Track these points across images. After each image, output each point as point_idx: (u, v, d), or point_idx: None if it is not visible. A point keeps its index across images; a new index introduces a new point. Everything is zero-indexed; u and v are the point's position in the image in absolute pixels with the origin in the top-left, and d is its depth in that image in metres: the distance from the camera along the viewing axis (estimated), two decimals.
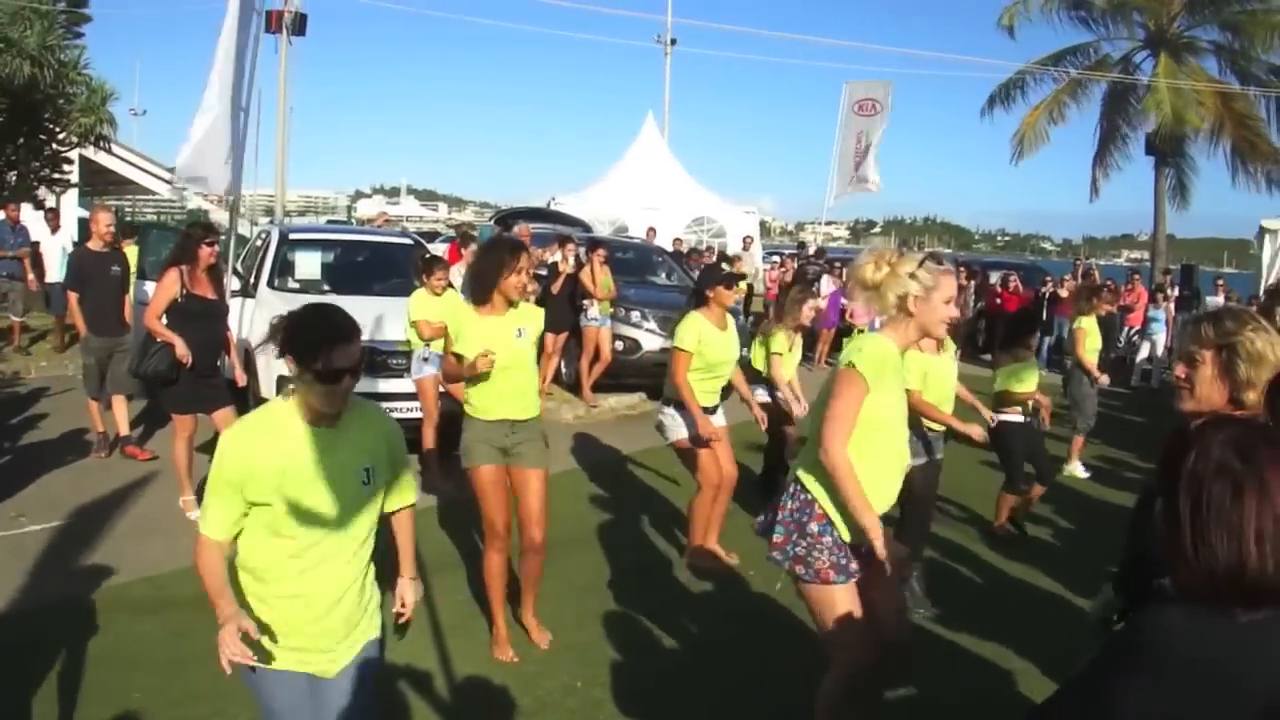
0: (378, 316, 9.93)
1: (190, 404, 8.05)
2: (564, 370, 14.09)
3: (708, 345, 7.17)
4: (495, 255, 5.77)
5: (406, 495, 3.76)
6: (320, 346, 3.26)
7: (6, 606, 6.26)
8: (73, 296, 9.90)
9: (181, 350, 7.91)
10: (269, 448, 3.32)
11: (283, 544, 3.35)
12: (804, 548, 4.11)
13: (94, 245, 9.93)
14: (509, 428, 5.77)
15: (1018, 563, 8.06)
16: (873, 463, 4.08)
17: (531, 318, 5.82)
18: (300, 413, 3.37)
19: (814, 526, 4.10)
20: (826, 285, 19.53)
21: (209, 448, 8.62)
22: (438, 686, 5.43)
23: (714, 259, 18.35)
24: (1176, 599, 1.91)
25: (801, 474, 4.20)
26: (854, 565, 4.12)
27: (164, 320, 8.08)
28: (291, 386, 3.38)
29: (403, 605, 3.71)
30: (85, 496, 8.46)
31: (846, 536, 4.10)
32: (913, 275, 4.11)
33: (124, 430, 9.88)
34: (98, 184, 28.45)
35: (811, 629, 6.23)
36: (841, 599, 4.10)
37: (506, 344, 5.66)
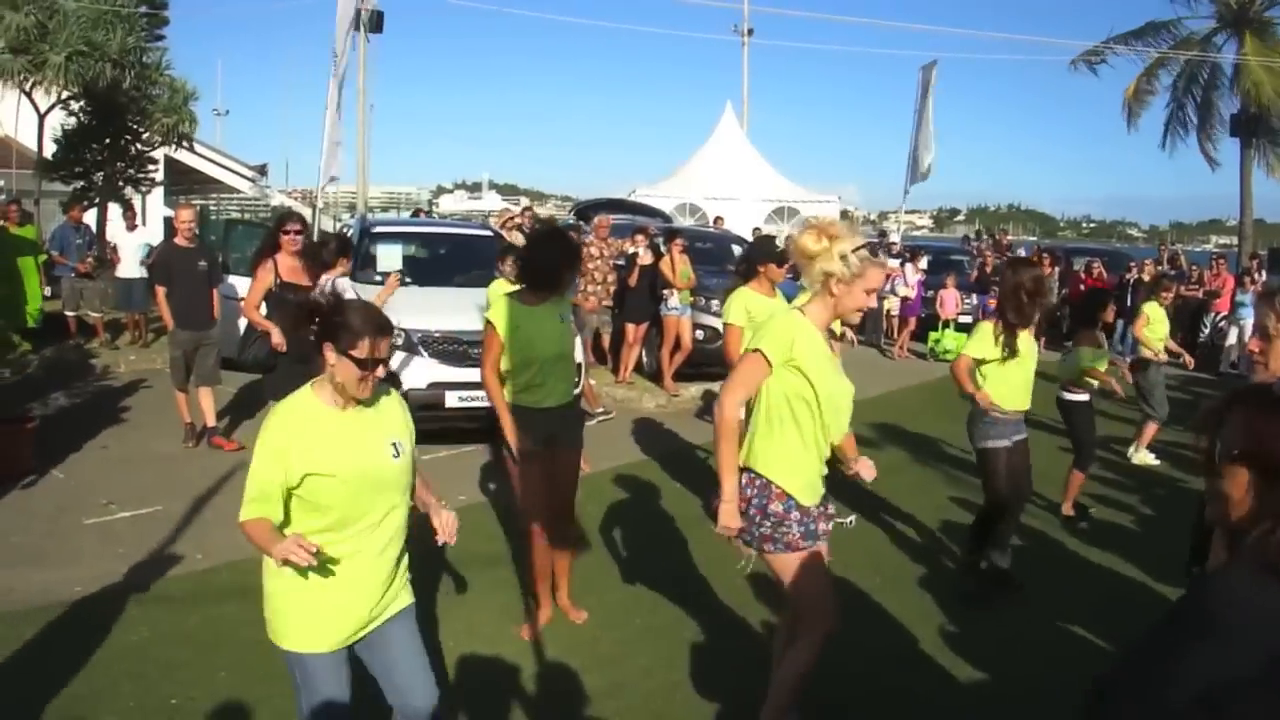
0: (458, 307, 10.04)
1: (290, 389, 8.16)
2: (645, 360, 14.12)
3: (757, 319, 7.03)
4: (554, 247, 5.88)
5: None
6: (365, 336, 3.52)
7: (98, 589, 6.44)
8: (160, 291, 10.10)
9: (277, 338, 8.11)
10: (308, 429, 3.55)
11: (320, 519, 3.54)
12: (769, 527, 4.29)
13: (180, 241, 10.13)
14: (558, 414, 5.86)
15: (1096, 548, 7.97)
16: (794, 438, 4.27)
17: (568, 304, 5.94)
18: (331, 397, 3.63)
19: (777, 506, 4.27)
20: (911, 275, 19.33)
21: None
22: (515, 670, 5.50)
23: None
24: (1243, 566, 1.89)
25: (750, 462, 4.35)
26: (821, 527, 4.37)
27: (262, 310, 8.33)
28: (322, 375, 3.66)
29: (442, 530, 3.78)
30: (173, 485, 8.66)
31: (807, 501, 4.30)
32: (844, 257, 4.17)
33: (211, 421, 10.07)
34: (183, 183, 28.99)
35: (895, 616, 6.29)
36: (810, 562, 4.32)
37: (556, 331, 5.76)
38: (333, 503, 3.53)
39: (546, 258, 5.86)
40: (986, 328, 6.81)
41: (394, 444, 3.66)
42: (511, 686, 5.22)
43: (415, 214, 29.60)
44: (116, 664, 5.40)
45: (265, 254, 8.45)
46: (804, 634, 4.39)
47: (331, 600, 3.58)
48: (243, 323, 8.75)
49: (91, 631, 5.78)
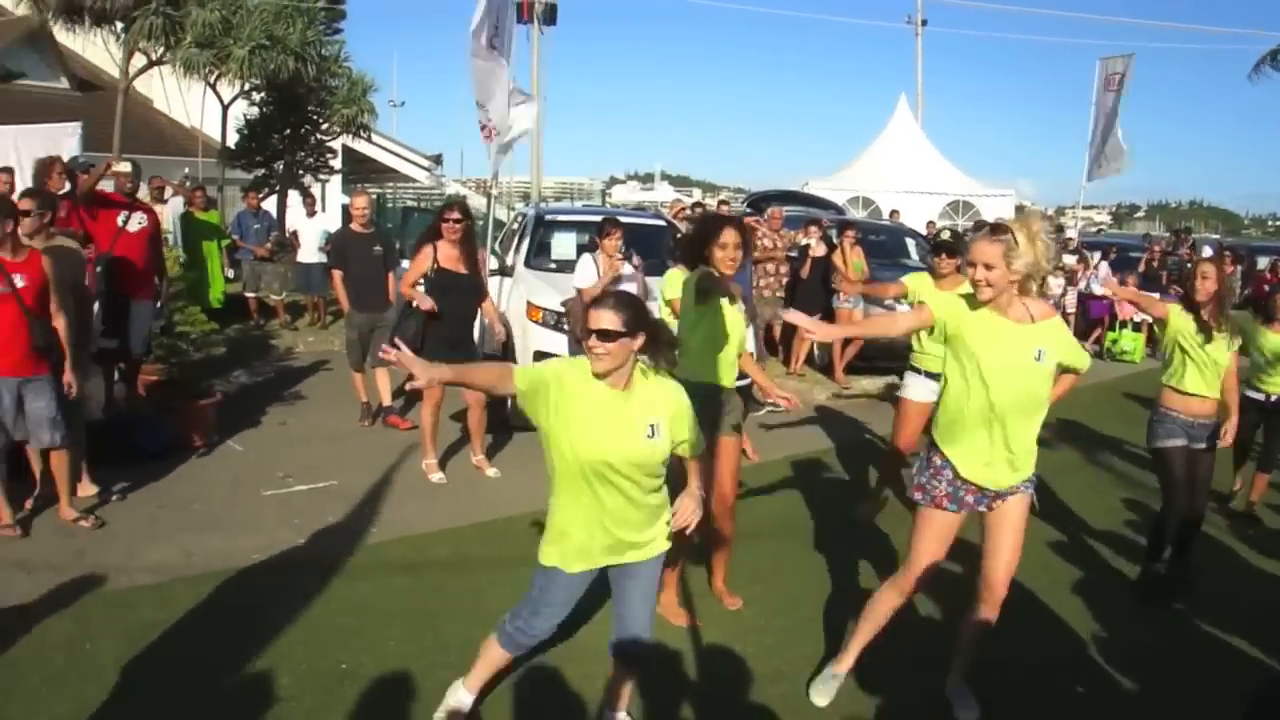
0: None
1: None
2: (816, 352, 13.88)
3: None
4: (705, 229, 5.92)
5: (696, 447, 4.22)
6: (587, 312, 3.94)
7: (273, 557, 6.61)
8: (337, 274, 10.29)
9: (428, 304, 8.19)
10: (572, 386, 3.97)
11: (578, 469, 3.99)
12: (927, 476, 4.71)
13: (355, 227, 10.32)
14: (723, 396, 5.80)
15: (1264, 555, 7.55)
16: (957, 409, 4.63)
17: (737, 289, 5.84)
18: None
19: (937, 460, 4.68)
20: (1104, 271, 18.39)
21: (461, 416, 8.89)
22: (678, 654, 5.46)
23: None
24: None
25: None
26: (969, 499, 4.63)
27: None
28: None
29: (677, 514, 4.12)
30: (348, 461, 8.82)
31: (965, 475, 4.59)
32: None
33: (386, 401, 10.23)
34: (360, 172, 29.73)
35: (1062, 618, 6.09)
36: (941, 522, 4.69)
37: (723, 314, 5.73)
38: (582, 456, 3.97)
39: (694, 238, 6.01)
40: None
41: (651, 425, 4.00)
42: (675, 668, 5.11)
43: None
44: (290, 629, 5.52)
45: (427, 239, 8.52)
46: (900, 573, 4.86)
47: (570, 536, 4.11)
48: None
49: (266, 597, 5.93)
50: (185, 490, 7.94)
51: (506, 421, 9.55)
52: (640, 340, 3.93)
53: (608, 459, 3.94)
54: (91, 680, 4.87)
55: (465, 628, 5.52)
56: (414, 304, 8.33)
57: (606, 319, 3.84)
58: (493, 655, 4.46)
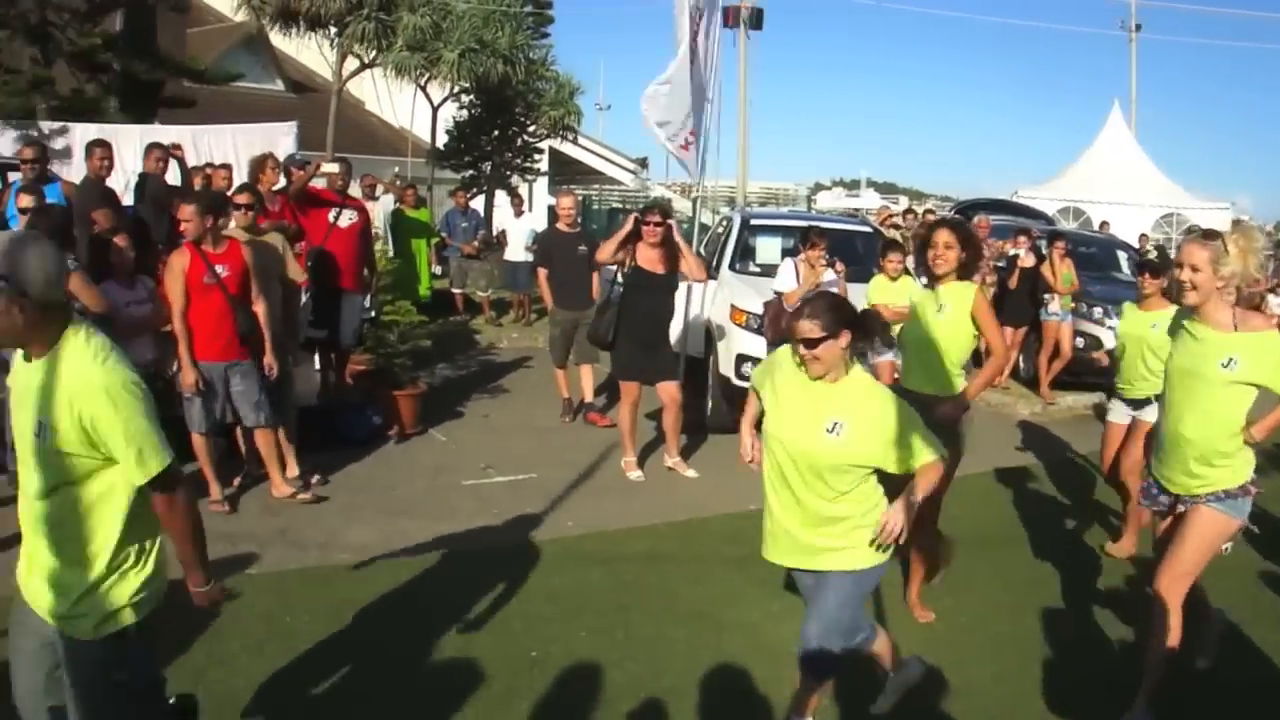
0: None
1: (632, 371, 8.33)
2: (1022, 365, 13.31)
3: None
4: (923, 232, 5.89)
5: (916, 457, 3.97)
6: (789, 324, 4.10)
7: (471, 545, 6.68)
8: (542, 273, 10.41)
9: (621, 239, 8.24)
10: (788, 369, 4.09)
11: (770, 452, 4.09)
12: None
13: (561, 227, 10.40)
14: (921, 404, 5.50)
15: None
16: None
17: (955, 295, 5.60)
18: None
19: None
20: None
21: (658, 416, 8.79)
22: (868, 662, 5.14)
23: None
24: None
25: None
26: (1162, 497, 4.71)
27: (611, 294, 8.50)
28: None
29: (883, 529, 3.93)
30: (548, 455, 8.86)
31: (1153, 470, 4.77)
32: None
33: (588, 397, 10.25)
34: (566, 173, 30.18)
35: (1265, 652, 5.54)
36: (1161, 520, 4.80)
37: (931, 320, 5.64)
38: (776, 453, 4.06)
39: (918, 245, 5.94)
40: None
41: (834, 422, 3.92)
42: (864, 679, 4.84)
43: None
44: (484, 613, 5.56)
45: (627, 241, 8.49)
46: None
47: (769, 521, 4.18)
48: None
49: (461, 582, 5.97)
50: (388, 476, 8.11)
51: (704, 424, 9.40)
52: (845, 338, 3.91)
53: (786, 448, 4.00)
54: (289, 652, 4.99)
55: (656, 624, 5.47)
56: (610, 300, 8.39)
57: (807, 328, 3.87)
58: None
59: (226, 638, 4.97)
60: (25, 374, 2.96)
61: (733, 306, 10.07)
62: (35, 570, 3.03)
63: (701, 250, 12.19)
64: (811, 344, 3.87)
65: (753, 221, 12.70)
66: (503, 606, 5.67)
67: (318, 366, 9.44)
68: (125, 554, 3.00)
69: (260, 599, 5.60)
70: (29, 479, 2.98)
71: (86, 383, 2.86)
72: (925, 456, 3.96)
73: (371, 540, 6.64)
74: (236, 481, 7.43)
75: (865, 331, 3.98)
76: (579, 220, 11.00)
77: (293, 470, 7.52)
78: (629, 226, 8.33)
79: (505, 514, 7.29)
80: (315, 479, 7.68)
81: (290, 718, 4.45)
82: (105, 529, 2.95)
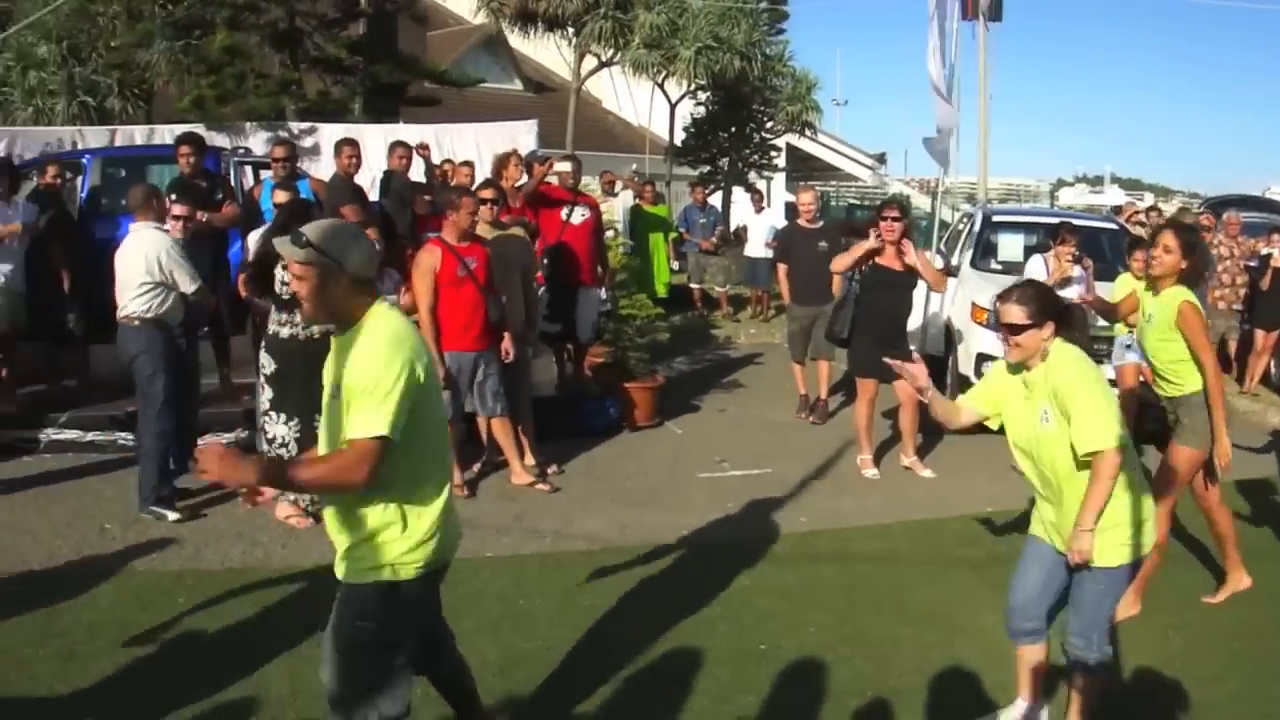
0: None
1: (869, 369, 8.19)
2: (1274, 371, 12.40)
3: None
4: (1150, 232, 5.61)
5: (1082, 441, 3.84)
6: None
7: (702, 537, 6.72)
8: (782, 268, 10.42)
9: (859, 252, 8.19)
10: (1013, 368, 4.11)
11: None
12: None
13: (802, 222, 10.37)
14: (1169, 404, 5.50)
15: None
16: None
17: (1164, 302, 5.37)
18: None
19: None
20: None
21: (893, 414, 8.63)
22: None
23: None
24: None
25: None
26: None
27: (850, 292, 8.43)
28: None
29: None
30: (783, 451, 8.83)
31: None
32: None
33: (824, 394, 10.14)
34: (803, 170, 30.01)
35: None
36: None
37: (1143, 323, 5.56)
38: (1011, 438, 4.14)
39: None
40: None
41: (1044, 411, 3.92)
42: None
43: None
44: (714, 606, 5.58)
45: (867, 258, 8.45)
46: None
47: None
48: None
49: (693, 573, 6.04)
50: (624, 466, 8.24)
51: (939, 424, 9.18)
52: (1049, 329, 3.90)
53: (1017, 443, 4.08)
54: (521, 632, 5.17)
55: (887, 624, 5.39)
56: (848, 297, 8.35)
57: (1013, 313, 3.89)
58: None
59: (463, 617, 5.05)
60: (334, 344, 3.30)
61: (974, 305, 9.87)
62: (331, 515, 3.35)
63: (942, 247, 11.93)
64: (1016, 330, 3.88)
65: (995, 218, 12.46)
66: (733, 599, 5.68)
67: (555, 359, 9.67)
68: (392, 515, 3.23)
69: (495, 581, 5.80)
70: (325, 437, 3.33)
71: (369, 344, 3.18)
72: (1091, 443, 3.79)
73: (605, 529, 6.78)
74: (476, 467, 7.68)
75: (1068, 324, 3.98)
76: (820, 215, 10.91)
77: (530, 459, 7.71)
78: (871, 243, 8.21)
79: (739, 508, 7.31)
80: (552, 468, 7.87)
81: (518, 698, 4.56)
82: (379, 489, 3.19)
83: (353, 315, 3.24)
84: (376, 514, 3.23)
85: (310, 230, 3.21)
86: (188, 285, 6.76)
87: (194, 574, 5.89)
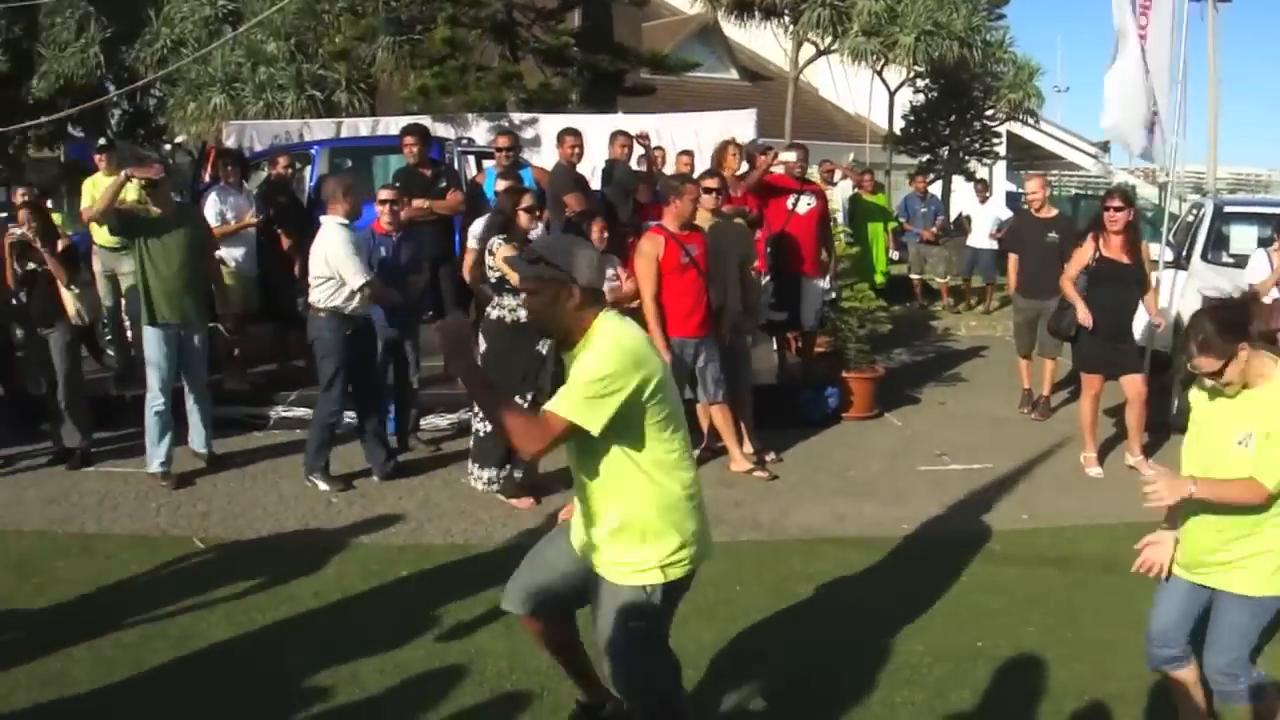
0: None
1: (1094, 364, 8.05)
2: None
3: None
4: None
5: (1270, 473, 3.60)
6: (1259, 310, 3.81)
7: (920, 531, 6.71)
8: (1012, 259, 10.23)
9: (1082, 314, 7.92)
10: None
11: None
12: None
13: (1034, 212, 10.15)
14: None
15: None
16: None
17: None
18: None
19: None
20: None
21: (1118, 411, 8.37)
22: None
23: None
24: None
25: None
26: None
27: (1078, 284, 8.13)
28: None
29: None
30: (1005, 446, 8.68)
31: None
32: None
33: (1046, 391, 9.91)
34: (1024, 158, 29.23)
35: None
36: None
37: None
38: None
39: None
40: None
41: (1244, 435, 3.63)
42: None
43: None
44: (933, 601, 5.57)
45: (1089, 229, 8.26)
46: None
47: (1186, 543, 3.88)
48: None
49: (907, 566, 6.11)
50: (843, 457, 8.29)
51: (1168, 422, 8.88)
52: (1244, 350, 3.58)
53: (1193, 464, 3.80)
54: (737, 619, 5.26)
55: (1108, 628, 5.26)
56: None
57: (1205, 364, 3.60)
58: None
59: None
60: (565, 359, 3.42)
61: (1204, 299, 9.44)
62: (590, 516, 3.51)
63: (1170, 239, 11.48)
64: (1218, 375, 3.60)
65: (1226, 209, 11.88)
66: (951, 595, 5.67)
67: (775, 347, 9.73)
68: (656, 520, 3.39)
69: (712, 568, 5.77)
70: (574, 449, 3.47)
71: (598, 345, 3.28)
72: (1243, 469, 3.60)
73: (822, 519, 6.84)
74: (695, 454, 7.75)
75: (1252, 320, 3.69)
76: (1048, 204, 10.63)
77: (749, 446, 7.81)
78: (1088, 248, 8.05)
79: (959, 502, 7.26)
80: (770, 456, 7.97)
81: (729, 683, 4.65)
82: (622, 491, 3.38)
83: (583, 327, 3.32)
84: (641, 518, 3.38)
85: (539, 245, 3.37)
86: (354, 280, 7.07)
87: (416, 548, 6.26)
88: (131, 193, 7.71)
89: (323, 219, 7.36)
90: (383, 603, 5.48)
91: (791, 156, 9.45)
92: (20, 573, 5.83)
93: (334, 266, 7.05)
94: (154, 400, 7.37)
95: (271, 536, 6.48)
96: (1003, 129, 21.82)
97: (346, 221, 7.18)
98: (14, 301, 7.71)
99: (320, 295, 7.14)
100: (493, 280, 6.79)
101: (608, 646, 3.50)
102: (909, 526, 6.72)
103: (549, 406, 3.27)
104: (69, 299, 7.70)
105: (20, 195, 8.06)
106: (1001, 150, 22.72)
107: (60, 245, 7.77)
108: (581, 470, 3.47)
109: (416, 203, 8.83)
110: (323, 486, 7.25)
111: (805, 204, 9.19)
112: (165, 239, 7.29)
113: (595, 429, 3.22)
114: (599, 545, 3.46)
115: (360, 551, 6.21)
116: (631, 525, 3.38)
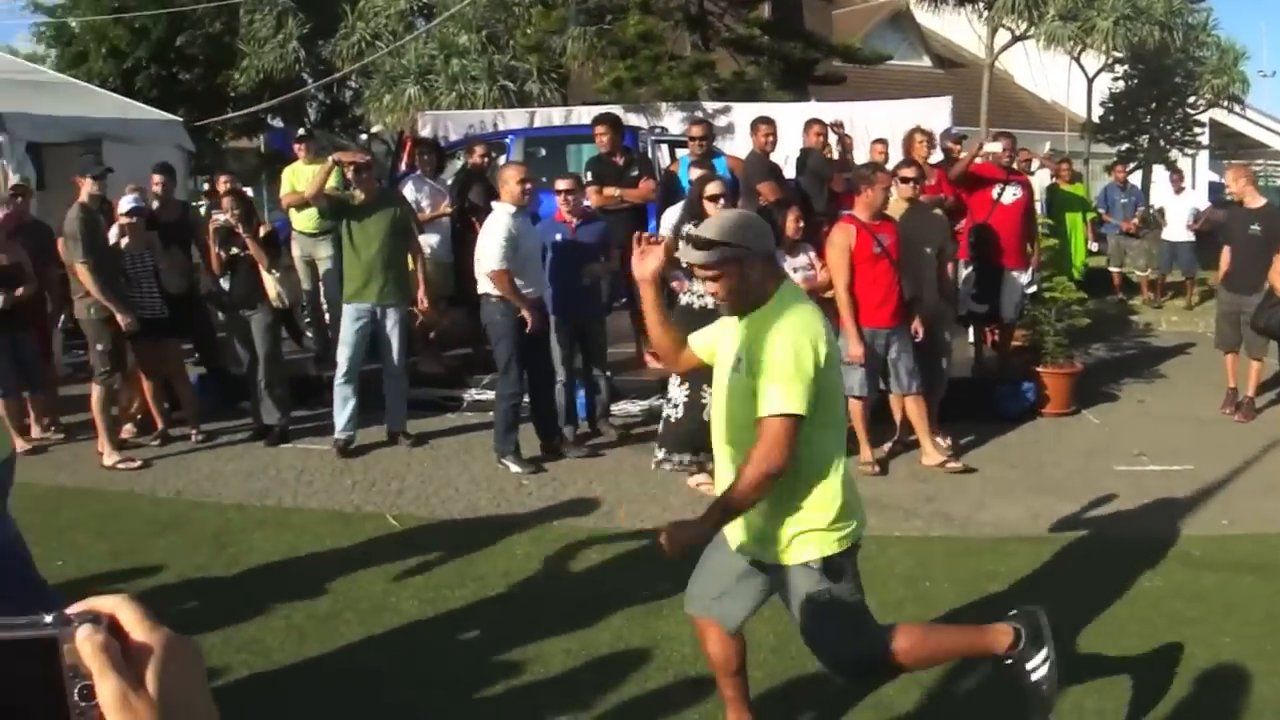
0: None
1: None
2: None
3: None
4: None
5: None
6: None
7: (1116, 533, 6.56)
8: (1225, 250, 9.76)
9: None
10: None
11: None
12: None
13: (1242, 202, 9.78)
14: None
15: None
16: None
17: None
18: None
19: None
20: None
21: None
22: None
23: None
24: None
25: None
26: None
27: None
28: None
29: None
30: (1207, 447, 8.42)
31: None
32: None
33: (1251, 391, 9.50)
34: (1228, 147, 28.02)
35: None
36: None
37: None
38: None
39: None
40: None
41: None
42: None
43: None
44: (1127, 605, 5.43)
45: None
46: None
47: None
48: None
49: (1093, 567, 5.95)
50: (1038, 453, 8.20)
51: None
52: None
53: None
54: (925, 615, 5.13)
55: None
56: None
57: None
58: None
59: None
60: (735, 328, 3.45)
61: None
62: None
63: None
64: None
65: None
66: (1146, 600, 5.53)
67: (971, 339, 9.64)
68: (816, 495, 3.36)
69: (902, 561, 5.91)
70: (722, 407, 3.51)
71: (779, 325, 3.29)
72: None
73: (1016, 516, 6.79)
74: (887, 446, 7.84)
75: None
76: (1254, 194, 10.20)
77: (944, 440, 7.80)
78: None
79: (1156, 504, 7.08)
80: (970, 450, 7.96)
81: (910, 680, 4.52)
82: (802, 471, 3.33)
83: (769, 292, 3.34)
84: (800, 496, 3.34)
85: (709, 229, 3.36)
86: (483, 265, 7.27)
87: (606, 533, 6.42)
88: (331, 179, 8.14)
89: (494, 205, 7.59)
90: (570, 584, 5.67)
91: (997, 146, 9.34)
92: (218, 542, 6.23)
93: (478, 250, 7.31)
94: (340, 376, 7.84)
95: (462, 517, 6.76)
96: (1205, 116, 21.05)
97: (514, 209, 7.35)
98: (218, 285, 8.20)
99: (488, 282, 7.37)
100: (684, 267, 6.90)
101: (811, 633, 3.51)
102: (1105, 527, 6.61)
103: (765, 413, 3.22)
104: (270, 282, 8.14)
105: (224, 183, 8.57)
106: (1204, 139, 21.90)
107: (262, 231, 8.23)
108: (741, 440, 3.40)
109: (607, 191, 8.99)
110: (514, 469, 7.50)
111: (1011, 194, 9.08)
112: (368, 222, 7.70)
113: (810, 411, 3.22)
114: (772, 530, 3.41)
115: (549, 533, 6.41)
116: (798, 501, 3.34)
